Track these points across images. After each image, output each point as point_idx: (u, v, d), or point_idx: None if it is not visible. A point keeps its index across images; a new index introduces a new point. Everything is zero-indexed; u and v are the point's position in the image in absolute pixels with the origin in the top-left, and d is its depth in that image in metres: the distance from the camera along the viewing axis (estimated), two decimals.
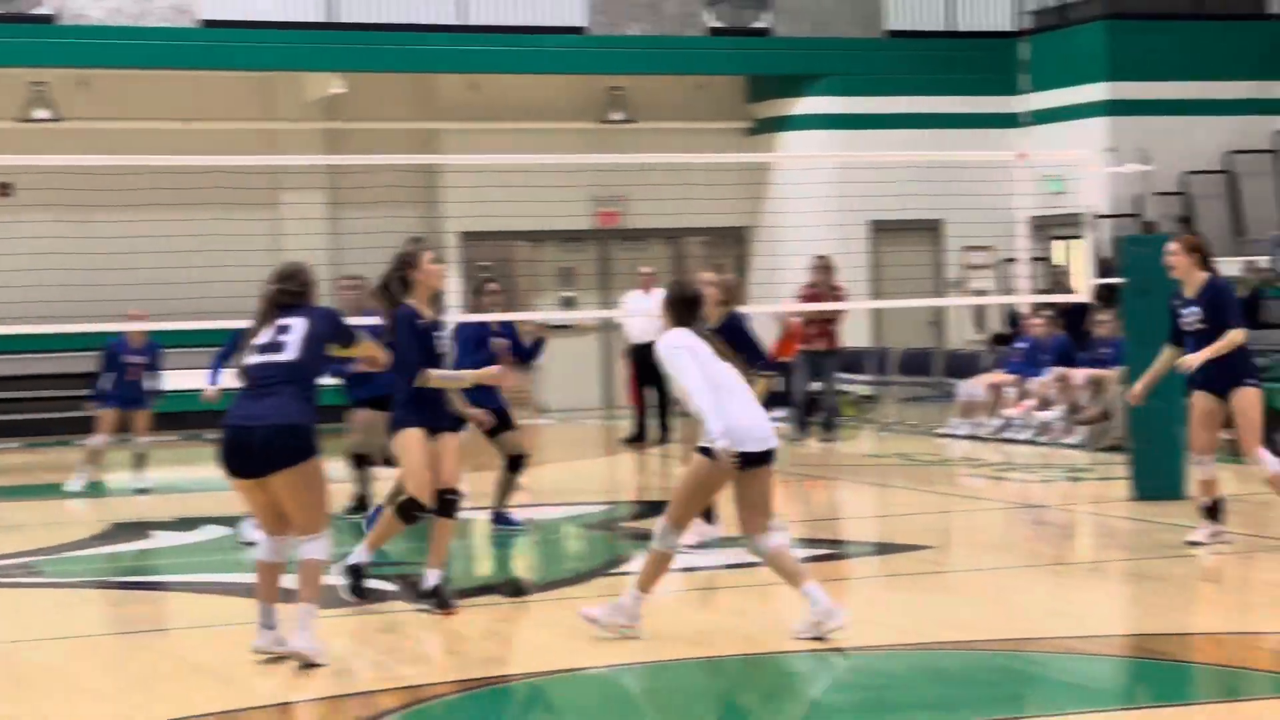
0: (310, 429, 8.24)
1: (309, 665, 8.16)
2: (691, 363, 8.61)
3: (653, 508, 13.37)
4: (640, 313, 19.10)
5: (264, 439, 8.10)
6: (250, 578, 9.21)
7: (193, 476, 17.59)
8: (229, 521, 12.76)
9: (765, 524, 8.72)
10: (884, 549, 12.20)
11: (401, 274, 9.63)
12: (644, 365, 18.54)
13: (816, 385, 19.58)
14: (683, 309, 8.83)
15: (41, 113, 22.48)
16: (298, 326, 8.34)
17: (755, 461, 8.62)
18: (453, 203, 23.48)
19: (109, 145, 21.13)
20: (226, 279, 21.04)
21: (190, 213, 22.53)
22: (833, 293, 18.89)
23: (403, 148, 23.56)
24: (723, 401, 8.56)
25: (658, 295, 20.29)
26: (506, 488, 12.66)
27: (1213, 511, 11.41)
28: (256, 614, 8.37)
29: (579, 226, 24.08)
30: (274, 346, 8.31)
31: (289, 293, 8.48)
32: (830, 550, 12.15)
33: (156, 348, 16.29)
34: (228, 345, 13.03)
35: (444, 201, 23.72)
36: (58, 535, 13.23)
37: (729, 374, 8.76)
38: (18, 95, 22.43)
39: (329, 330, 8.52)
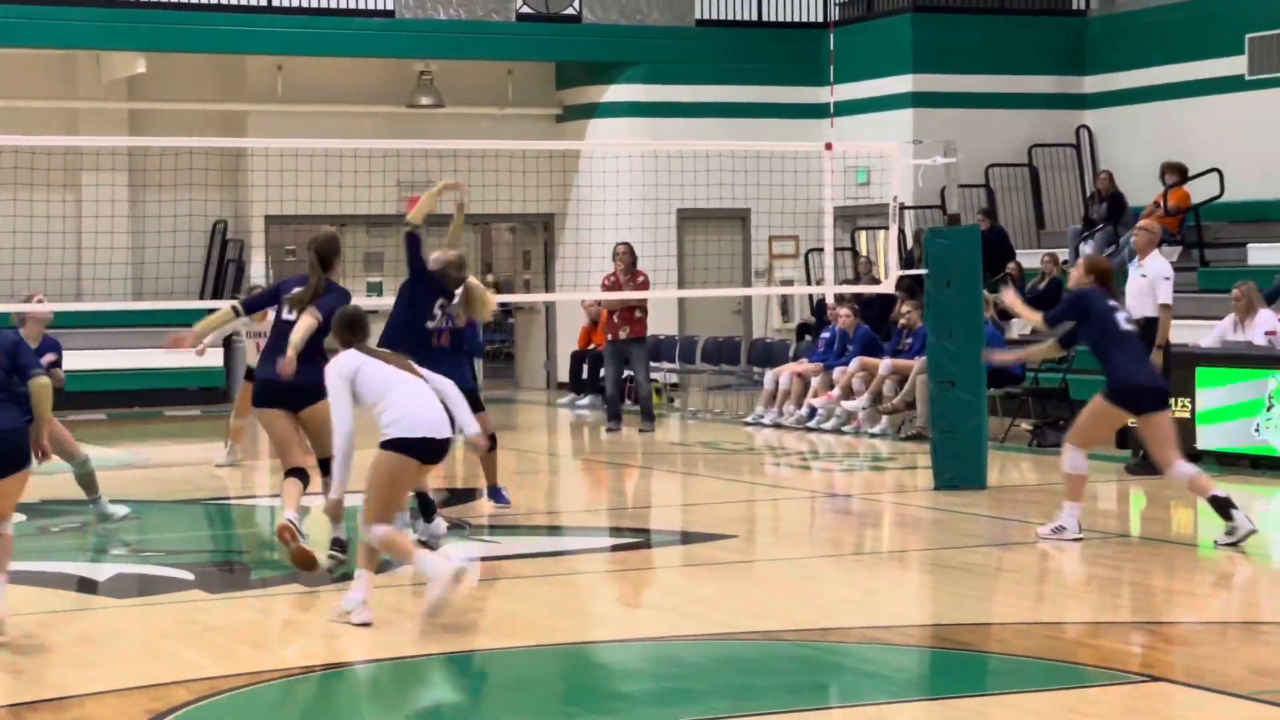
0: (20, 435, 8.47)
1: None
2: (345, 395, 9.04)
3: (453, 495, 13.33)
4: None
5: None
6: (51, 565, 9.02)
7: None
8: (23, 508, 12.42)
9: (394, 516, 9.15)
10: (689, 538, 12.24)
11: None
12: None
13: (628, 374, 19.61)
14: (347, 332, 9.22)
15: None
16: None
17: (425, 451, 8.97)
18: (258, 186, 23.11)
19: None
20: (26, 261, 20.59)
21: None
22: (635, 281, 18.90)
23: (208, 129, 23.18)
24: (399, 396, 8.97)
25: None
26: (491, 465, 12.67)
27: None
28: None
29: (386, 211, 23.86)
30: None
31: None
32: (635, 539, 12.17)
33: None
34: None
35: (250, 185, 23.36)
36: None
37: (397, 373, 9.13)
38: None
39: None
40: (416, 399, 9.03)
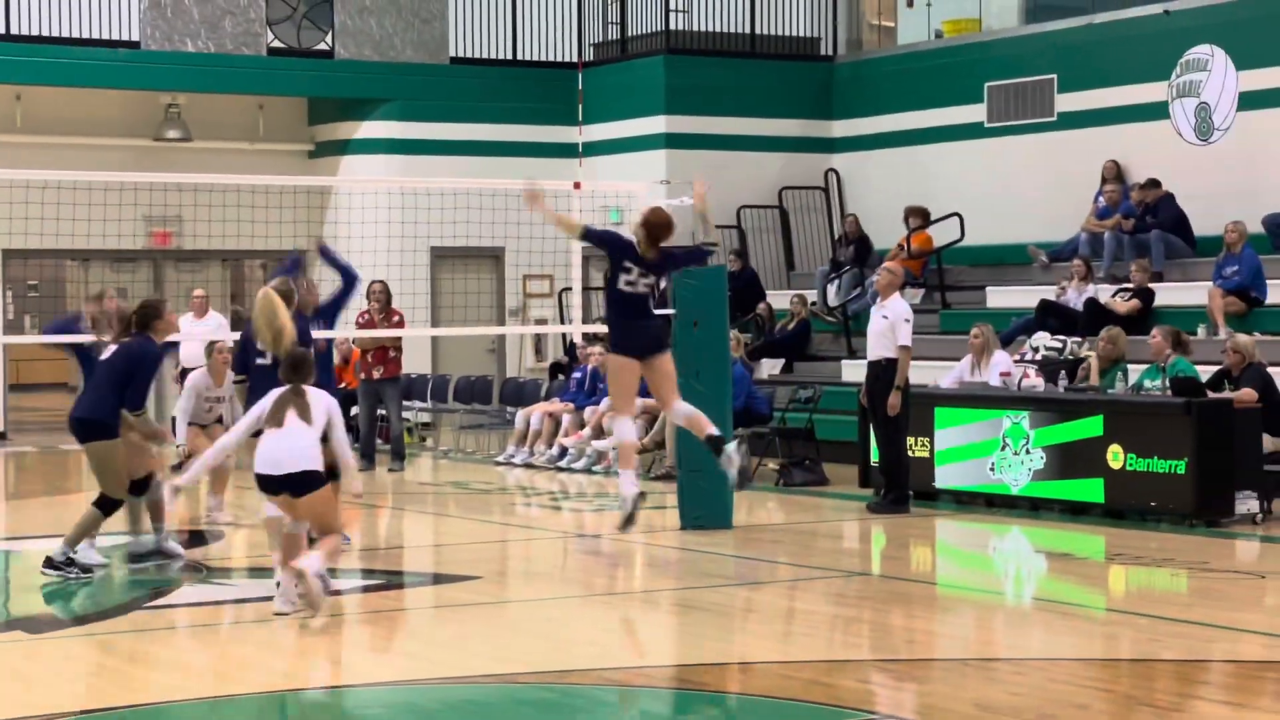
0: None
1: None
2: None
3: (196, 537, 13.02)
4: (190, 337, 18.59)
5: None
6: None
7: None
8: None
9: None
10: (437, 579, 12.10)
11: None
12: None
13: (380, 413, 19.38)
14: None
15: None
16: None
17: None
18: None
19: None
20: None
21: None
22: (389, 319, 18.74)
23: None
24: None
25: (212, 319, 19.88)
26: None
27: None
28: None
29: (132, 246, 23.33)
30: None
31: None
32: (383, 580, 11.99)
33: None
34: None
35: None
36: None
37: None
38: None
39: None
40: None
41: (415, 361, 22.33)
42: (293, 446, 10.01)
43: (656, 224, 11.84)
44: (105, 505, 11.66)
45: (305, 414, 10.09)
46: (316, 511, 10.08)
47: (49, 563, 11.58)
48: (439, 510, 16.23)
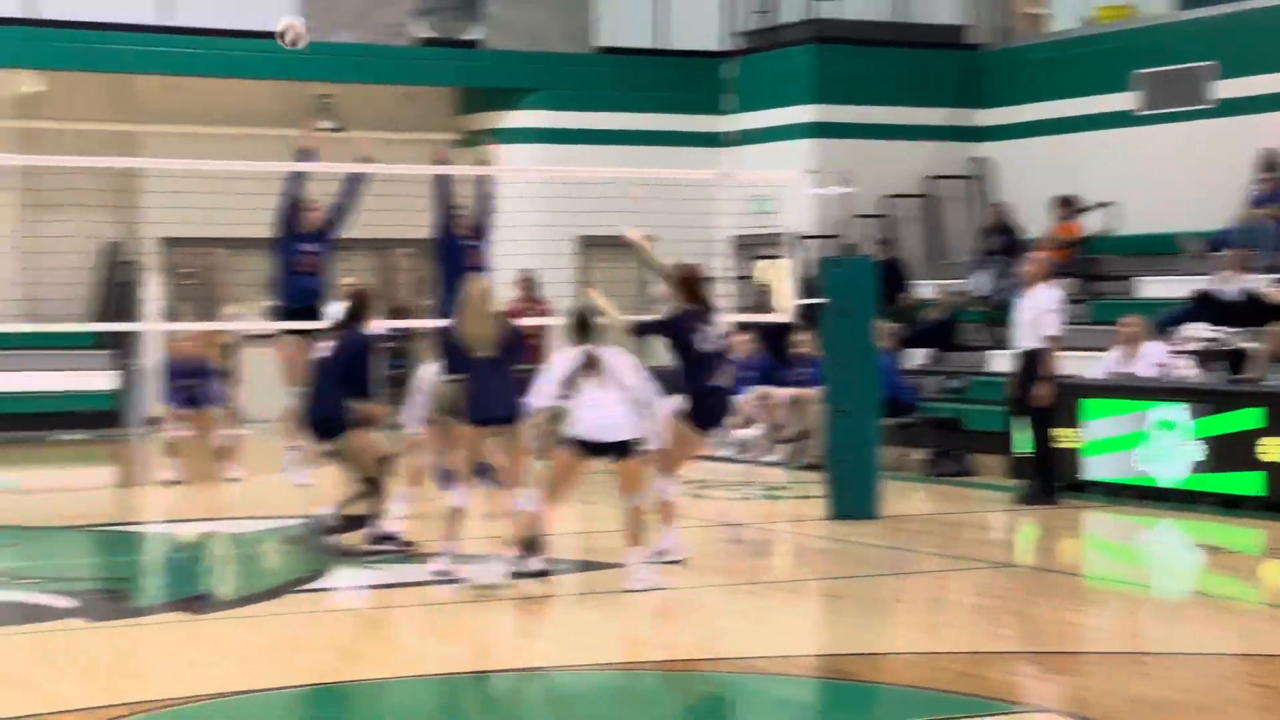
0: None
1: None
2: None
3: (350, 522, 13.19)
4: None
5: None
6: None
7: None
8: None
9: None
10: (586, 566, 12.17)
11: None
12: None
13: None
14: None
15: None
16: None
17: None
18: (153, 207, 22.88)
19: None
20: None
21: None
22: (535, 308, 18.85)
23: (102, 149, 22.91)
24: None
25: None
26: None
27: None
28: None
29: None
30: None
31: None
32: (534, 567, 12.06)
33: None
34: None
35: (143, 206, 23.11)
36: None
37: None
38: None
39: None
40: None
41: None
42: (614, 412, 10.48)
43: (696, 278, 11.94)
44: (372, 485, 12.02)
45: (613, 375, 10.51)
46: (634, 473, 10.67)
47: (373, 539, 12.00)
48: (586, 498, 16.30)
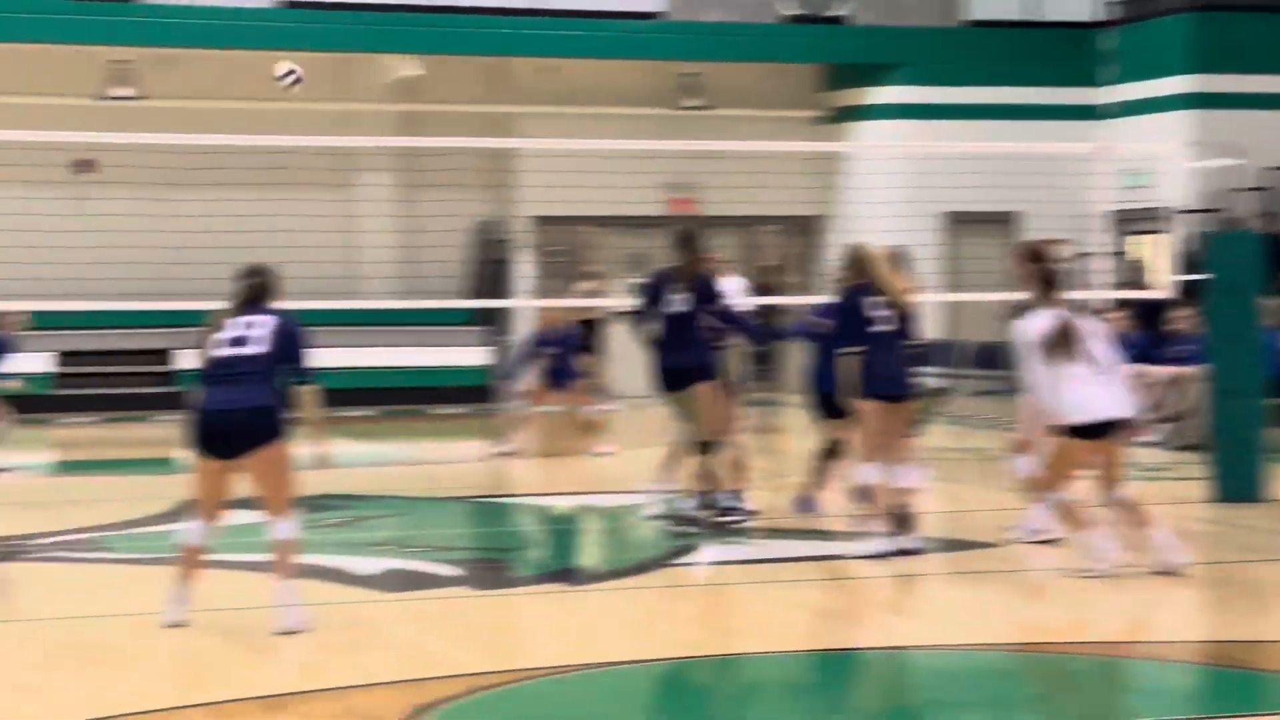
0: (279, 412, 8.69)
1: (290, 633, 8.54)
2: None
3: (721, 499, 13.24)
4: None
5: (242, 420, 8.61)
6: (322, 559, 9.22)
7: None
8: (304, 502, 12.74)
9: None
10: (954, 545, 12.03)
11: None
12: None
13: None
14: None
15: (123, 90, 22.54)
16: (264, 324, 8.77)
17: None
18: (526, 187, 23.42)
19: (189, 124, 21.26)
20: (299, 259, 21.03)
21: (265, 192, 22.63)
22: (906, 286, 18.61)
23: (477, 131, 23.51)
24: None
25: (731, 283, 20.16)
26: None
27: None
28: (172, 591, 8.80)
29: (651, 213, 23.97)
30: (242, 341, 8.75)
31: (256, 289, 8.92)
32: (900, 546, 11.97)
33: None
34: None
35: (517, 185, 23.66)
36: (127, 511, 13.23)
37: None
38: (100, 73, 22.50)
39: (293, 337, 8.84)
40: None
41: (928, 327, 22.19)
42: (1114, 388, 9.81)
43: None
44: (711, 447, 11.98)
45: (1101, 347, 9.92)
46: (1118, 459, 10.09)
47: (721, 511, 12.02)
48: (954, 476, 16.12)
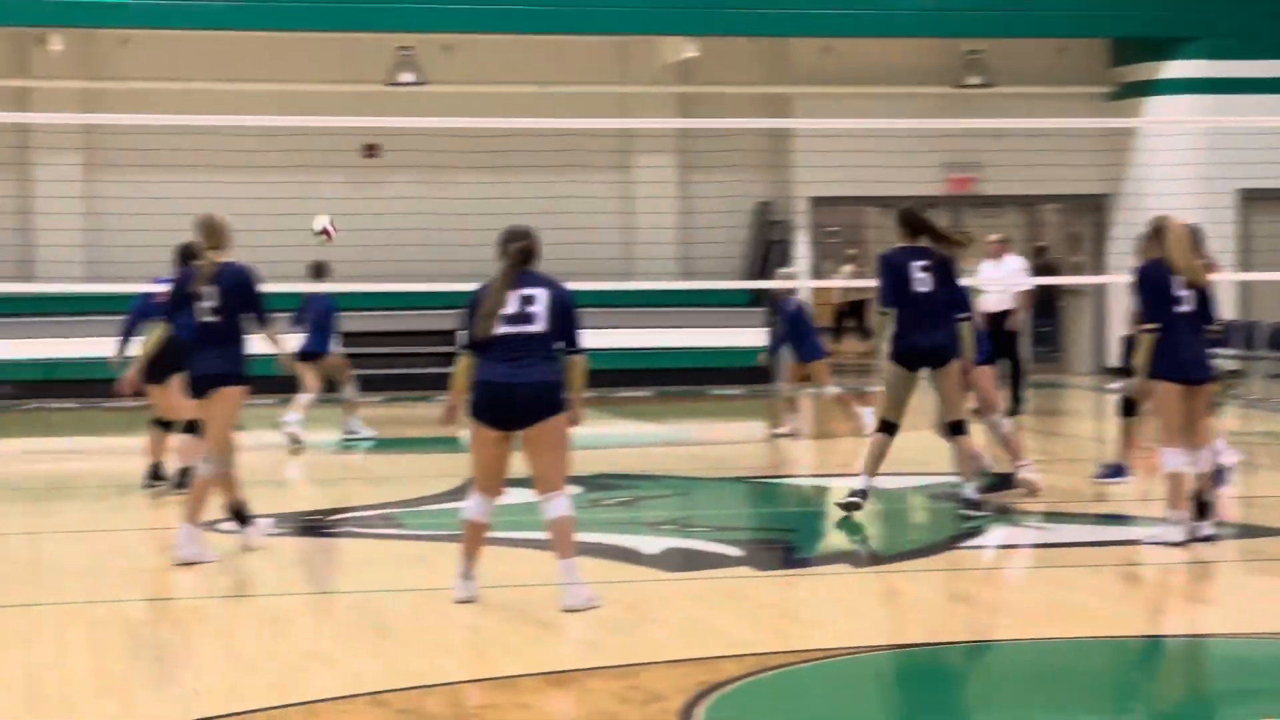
0: (560, 388, 8.72)
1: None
2: None
3: (1002, 480, 13.02)
4: (991, 282, 18.64)
5: (526, 395, 8.62)
6: (603, 538, 9.28)
7: None
8: (579, 481, 12.88)
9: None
10: (1250, 531, 11.65)
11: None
12: (996, 335, 18.12)
13: None
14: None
15: (407, 76, 22.98)
16: (541, 299, 8.75)
17: None
18: (803, 167, 23.31)
19: (471, 109, 21.61)
20: (579, 240, 21.27)
21: (545, 175, 22.88)
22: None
23: (754, 111, 23.46)
24: None
25: (1010, 263, 19.78)
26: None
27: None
28: (459, 567, 8.89)
29: (931, 192, 23.66)
30: (524, 319, 8.72)
31: (526, 251, 8.86)
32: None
33: None
34: (134, 313, 13.23)
35: (794, 166, 23.56)
36: (417, 488, 13.48)
37: None
38: (385, 59, 22.97)
39: (567, 312, 8.80)
40: None
41: (1221, 307, 21.56)
42: None
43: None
44: (960, 428, 11.70)
45: None
46: None
47: (966, 503, 11.64)
48: (1249, 460, 15.62)
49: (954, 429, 11.72)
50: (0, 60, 22.71)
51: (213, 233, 10.49)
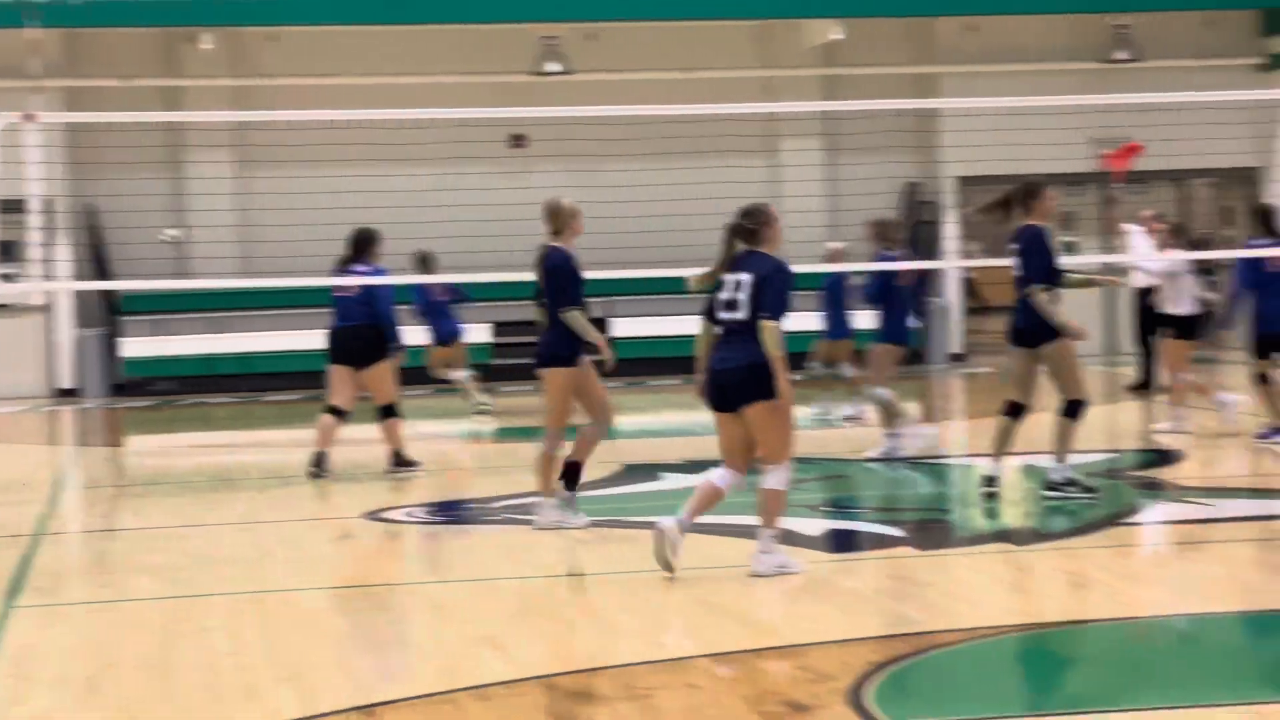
0: (766, 369, 8.94)
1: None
2: None
3: (1160, 456, 12.93)
4: (1150, 259, 18.40)
5: (733, 379, 9.00)
6: (753, 520, 9.32)
7: (702, 420, 17.91)
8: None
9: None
10: None
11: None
12: (1146, 311, 17.93)
13: None
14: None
15: (553, 66, 23.13)
16: (745, 284, 9.07)
17: None
18: (950, 147, 23.17)
19: (615, 97, 21.70)
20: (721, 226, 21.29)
21: (691, 161, 22.94)
22: None
23: (900, 92, 23.37)
24: None
25: (1141, 239, 19.51)
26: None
27: None
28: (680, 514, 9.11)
29: (1080, 169, 23.42)
30: (732, 304, 9.09)
31: (746, 229, 9.23)
32: None
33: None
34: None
35: (941, 146, 23.43)
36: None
37: None
38: (531, 49, 23.13)
39: (775, 285, 9.07)
40: None
41: None
42: None
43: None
44: (1072, 410, 11.52)
45: None
46: None
47: (1048, 485, 11.48)
48: None
49: (1065, 409, 11.47)
50: (152, 60, 23.15)
51: (554, 216, 11.08)
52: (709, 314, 9.21)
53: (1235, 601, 8.52)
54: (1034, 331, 11.29)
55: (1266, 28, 23.89)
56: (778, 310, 9.08)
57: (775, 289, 9.06)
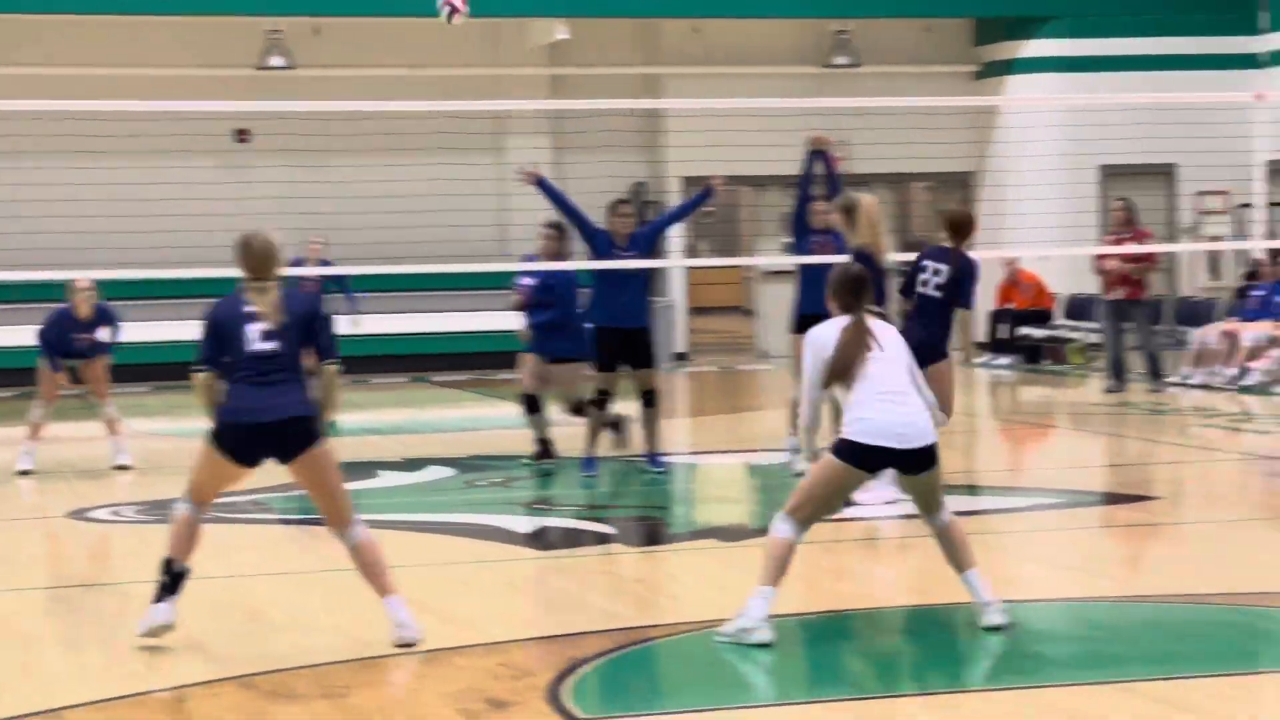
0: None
1: None
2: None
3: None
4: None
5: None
6: (470, 517, 9.33)
7: (420, 419, 17.90)
8: (453, 463, 12.96)
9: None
10: (1111, 499, 11.92)
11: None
12: None
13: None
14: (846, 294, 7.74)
15: (277, 60, 22.86)
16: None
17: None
18: (675, 147, 23.42)
19: (341, 92, 21.53)
20: (453, 224, 21.26)
21: (418, 158, 22.81)
22: (1136, 239, 17.90)
23: (626, 92, 23.55)
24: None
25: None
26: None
27: None
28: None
29: (798, 172, 23.82)
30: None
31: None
32: (1055, 500, 11.90)
33: None
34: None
35: (667, 146, 23.68)
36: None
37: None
38: (255, 43, 22.83)
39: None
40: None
41: (1083, 281, 21.98)
42: (913, 410, 7.63)
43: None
44: None
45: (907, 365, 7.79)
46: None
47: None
48: (1111, 430, 15.96)
49: None
50: None
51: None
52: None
53: (934, 595, 8.75)
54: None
55: (979, 37, 24.61)
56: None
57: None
